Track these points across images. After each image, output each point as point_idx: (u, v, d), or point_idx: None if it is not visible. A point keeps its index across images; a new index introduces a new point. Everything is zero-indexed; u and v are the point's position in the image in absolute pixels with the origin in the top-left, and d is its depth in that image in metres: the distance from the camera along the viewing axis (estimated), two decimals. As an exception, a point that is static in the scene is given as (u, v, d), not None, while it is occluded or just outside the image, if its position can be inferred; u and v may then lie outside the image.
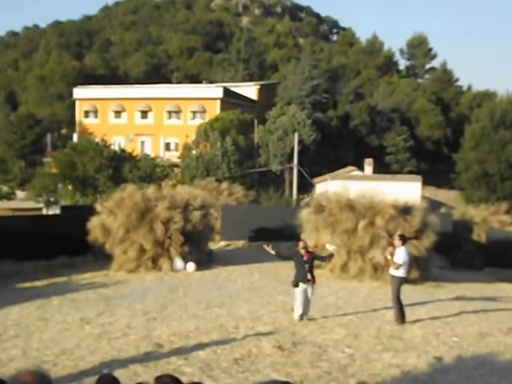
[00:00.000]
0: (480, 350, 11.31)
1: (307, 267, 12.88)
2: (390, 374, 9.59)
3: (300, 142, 55.55)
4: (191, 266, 20.03)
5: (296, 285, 12.92)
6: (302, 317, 12.91)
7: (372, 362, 10.24)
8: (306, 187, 52.76)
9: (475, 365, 10.27)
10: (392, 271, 12.90)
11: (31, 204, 43.03)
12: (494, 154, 54.76)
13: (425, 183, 53.66)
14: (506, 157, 54.36)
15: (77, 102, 68.40)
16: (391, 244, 13.33)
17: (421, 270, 19.11)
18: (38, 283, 17.53)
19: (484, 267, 24.60)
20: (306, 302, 12.92)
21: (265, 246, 13.80)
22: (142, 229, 19.81)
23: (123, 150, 47.73)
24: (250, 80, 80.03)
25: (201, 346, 10.89)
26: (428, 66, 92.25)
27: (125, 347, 10.78)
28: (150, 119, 66.01)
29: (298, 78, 66.97)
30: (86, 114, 68.16)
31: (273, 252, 13.48)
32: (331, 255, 14.04)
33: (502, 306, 16.24)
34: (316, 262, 13.82)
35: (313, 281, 12.95)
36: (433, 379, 9.50)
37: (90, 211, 20.75)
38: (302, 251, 13.00)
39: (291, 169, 54.98)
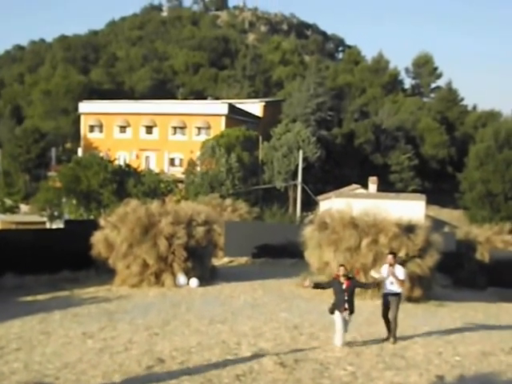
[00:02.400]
0: (482, 369, 11.31)
1: (346, 295, 12.16)
2: (391, 392, 9.61)
3: (304, 159, 55.71)
4: (194, 281, 20.07)
5: (332, 312, 12.30)
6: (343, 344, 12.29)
7: (374, 380, 10.26)
8: (309, 205, 52.78)
9: (477, 384, 10.29)
10: (394, 289, 12.89)
11: (35, 218, 43.17)
12: (499, 174, 54.84)
13: (429, 202, 53.59)
14: (510, 177, 54.43)
15: (82, 117, 68.82)
16: (391, 264, 13.02)
17: (424, 288, 19.11)
18: (41, 297, 17.59)
19: (487, 287, 24.56)
20: (345, 328, 12.31)
21: (305, 283, 13.37)
22: (146, 244, 19.91)
23: (128, 165, 47.92)
24: (256, 97, 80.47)
25: (203, 362, 10.93)
26: (433, 85, 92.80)
27: (126, 362, 10.82)
28: (155, 134, 66.29)
29: (303, 95, 67.30)
30: (91, 128, 68.51)
31: (311, 285, 12.97)
32: (377, 283, 13.45)
33: (504, 326, 16.23)
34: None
35: (350, 310, 12.23)
36: (434, 398, 9.51)
37: (93, 226, 20.83)
38: (342, 278, 12.24)
39: (295, 186, 55.06)
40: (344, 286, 12.13)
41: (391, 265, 12.92)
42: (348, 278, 12.25)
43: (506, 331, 15.49)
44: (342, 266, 12.74)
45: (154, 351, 11.60)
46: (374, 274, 13.68)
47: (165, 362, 10.83)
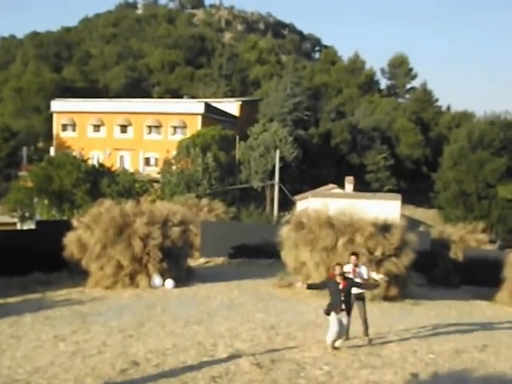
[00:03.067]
0: (455, 366, 11.47)
1: (343, 296, 11.76)
2: (367, 392, 9.67)
3: (281, 158, 55.80)
4: (169, 282, 19.95)
5: (328, 313, 11.89)
6: (333, 342, 11.96)
7: (349, 378, 10.32)
8: (286, 204, 52.90)
9: (450, 381, 10.42)
10: (358, 290, 12.71)
11: (5, 219, 42.60)
12: (472, 174, 55.53)
13: (404, 202, 54.10)
14: (483, 176, 55.16)
15: (54, 115, 67.98)
16: (356, 264, 12.90)
17: (399, 287, 19.29)
18: (12, 300, 17.32)
19: (461, 285, 24.95)
20: (341, 330, 11.90)
21: (296, 284, 13.29)
22: (120, 245, 19.72)
23: (101, 165, 47.53)
24: (232, 96, 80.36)
25: (178, 364, 10.88)
26: (408, 86, 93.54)
27: (100, 365, 10.71)
28: (130, 133, 65.79)
29: (280, 94, 67.40)
30: (64, 127, 67.72)
31: (304, 286, 12.85)
32: (376, 284, 13.14)
33: (477, 323, 16.44)
34: None
35: (347, 312, 11.91)
36: (409, 396, 9.60)
37: (66, 226, 20.57)
38: (339, 278, 11.83)
39: (272, 186, 55.15)
40: (341, 286, 11.74)
41: (355, 265, 12.84)
42: (345, 278, 11.88)
43: (479, 329, 15.69)
44: (338, 264, 12.19)
45: (128, 354, 11.50)
46: (374, 275, 13.37)
47: (139, 365, 10.75)
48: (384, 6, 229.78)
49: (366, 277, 12.89)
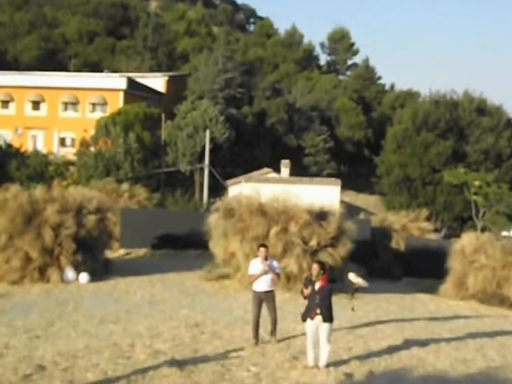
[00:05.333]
0: (392, 364, 11.66)
1: (318, 298, 10.89)
2: (296, 394, 9.70)
3: (212, 140, 55.60)
4: (84, 276, 19.67)
5: (304, 319, 11.09)
6: (315, 361, 11.00)
7: (279, 380, 10.34)
8: (218, 190, 52.86)
9: (386, 381, 10.55)
10: (269, 286, 12.55)
11: None
12: (416, 158, 56.67)
13: (345, 187, 54.93)
14: (427, 160, 56.35)
15: (-44, 89, 65.80)
16: (265, 257, 12.49)
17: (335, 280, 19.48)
18: None
19: (402, 277, 25.40)
20: (318, 344, 10.95)
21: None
22: (28, 235, 19.37)
23: (9, 145, 46.22)
24: (158, 70, 79.49)
25: (89, 367, 10.68)
26: (350, 62, 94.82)
27: (0, 370, 10.39)
28: (43, 111, 64.50)
29: (210, 70, 67.08)
30: (-33, 102, 65.71)
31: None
32: (356, 289, 12.19)
33: (418, 319, 16.80)
34: None
35: (324, 317, 10.82)
36: (340, 398, 9.69)
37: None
38: (315, 278, 10.96)
39: (202, 169, 54.93)
40: (317, 287, 10.93)
41: (265, 258, 12.52)
42: (324, 277, 10.98)
43: (420, 324, 16.03)
44: (316, 262, 11.36)
45: (33, 357, 11.23)
46: (353, 278, 12.10)
47: (45, 369, 10.49)
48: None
49: (278, 271, 12.74)
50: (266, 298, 12.57)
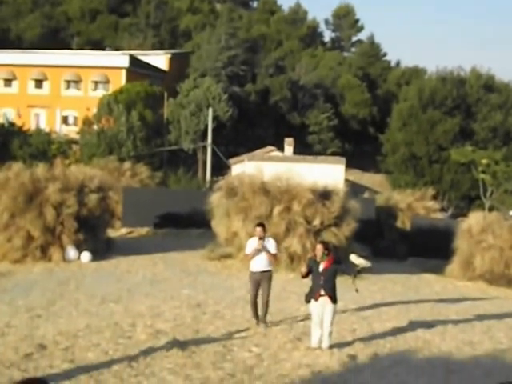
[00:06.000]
0: (398, 346, 11.58)
1: (322, 279, 10.79)
2: (299, 375, 9.65)
3: (215, 118, 55.34)
4: (86, 255, 19.64)
5: (308, 301, 11.05)
6: (319, 343, 10.93)
7: (281, 361, 10.27)
8: (221, 169, 52.64)
9: (391, 363, 10.49)
10: (266, 266, 12.30)
11: None
12: (422, 136, 56.25)
13: (349, 166, 54.68)
14: (434, 138, 55.95)
15: (-41, 67, 65.57)
16: (261, 237, 12.18)
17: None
18: None
19: (408, 257, 25.23)
20: (323, 326, 10.85)
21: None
22: (30, 213, 19.31)
23: (12, 124, 46.08)
24: (160, 48, 78.99)
25: (90, 347, 10.65)
26: (354, 39, 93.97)
27: (1, 349, 10.38)
28: (46, 89, 64.21)
29: (213, 47, 66.63)
30: (-30, 81, 65.50)
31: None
32: (358, 271, 11.84)
33: (423, 300, 16.70)
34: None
35: (330, 299, 10.77)
36: (344, 379, 9.63)
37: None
38: (319, 258, 10.84)
39: (205, 148, 54.73)
40: (321, 268, 10.81)
41: (261, 238, 12.24)
42: (329, 258, 10.84)
43: (425, 305, 15.94)
44: (320, 243, 11.25)
45: (34, 336, 11.21)
46: (354, 259, 11.71)
47: (46, 349, 10.47)
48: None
49: (274, 251, 12.43)
50: (262, 279, 12.29)
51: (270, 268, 12.42)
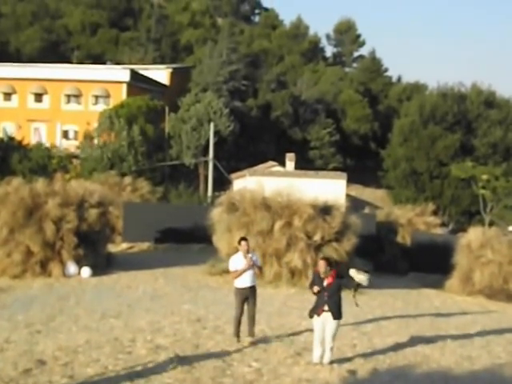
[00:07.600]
0: (397, 361, 11.64)
1: (326, 295, 10.79)
2: (298, 390, 9.70)
3: (216, 133, 55.49)
4: (86, 271, 19.70)
5: (311, 316, 11.05)
6: (320, 359, 10.96)
7: (281, 376, 10.32)
8: (222, 183, 52.75)
9: (390, 378, 10.54)
10: (253, 281, 12.26)
11: None
12: (423, 151, 56.43)
13: (351, 181, 54.78)
14: (435, 154, 56.11)
15: (-41, 82, 65.80)
16: (247, 251, 12.18)
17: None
18: None
19: (408, 272, 25.36)
20: (324, 341, 10.90)
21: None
22: (30, 228, 19.42)
23: (12, 138, 46.23)
24: (162, 62, 79.34)
25: (90, 362, 10.69)
26: (356, 54, 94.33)
27: (0, 364, 10.41)
28: (46, 103, 64.31)
29: (214, 62, 66.89)
30: (-31, 95, 65.69)
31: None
32: (358, 285, 11.53)
33: (423, 315, 16.76)
34: None
35: (333, 315, 10.80)
36: (343, 395, 9.68)
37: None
38: (323, 274, 10.84)
39: (206, 163, 54.85)
40: (325, 283, 10.82)
41: (247, 252, 12.20)
42: (332, 273, 10.87)
43: (425, 320, 16.00)
44: (323, 259, 11.21)
45: (34, 352, 11.26)
46: (354, 274, 11.34)
47: (46, 364, 10.52)
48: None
49: (259, 264, 12.56)
50: (250, 294, 12.24)
51: (255, 283, 12.43)
